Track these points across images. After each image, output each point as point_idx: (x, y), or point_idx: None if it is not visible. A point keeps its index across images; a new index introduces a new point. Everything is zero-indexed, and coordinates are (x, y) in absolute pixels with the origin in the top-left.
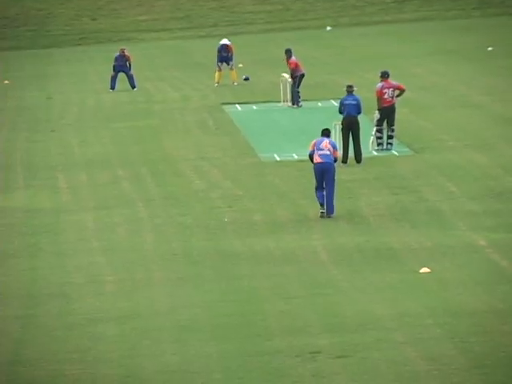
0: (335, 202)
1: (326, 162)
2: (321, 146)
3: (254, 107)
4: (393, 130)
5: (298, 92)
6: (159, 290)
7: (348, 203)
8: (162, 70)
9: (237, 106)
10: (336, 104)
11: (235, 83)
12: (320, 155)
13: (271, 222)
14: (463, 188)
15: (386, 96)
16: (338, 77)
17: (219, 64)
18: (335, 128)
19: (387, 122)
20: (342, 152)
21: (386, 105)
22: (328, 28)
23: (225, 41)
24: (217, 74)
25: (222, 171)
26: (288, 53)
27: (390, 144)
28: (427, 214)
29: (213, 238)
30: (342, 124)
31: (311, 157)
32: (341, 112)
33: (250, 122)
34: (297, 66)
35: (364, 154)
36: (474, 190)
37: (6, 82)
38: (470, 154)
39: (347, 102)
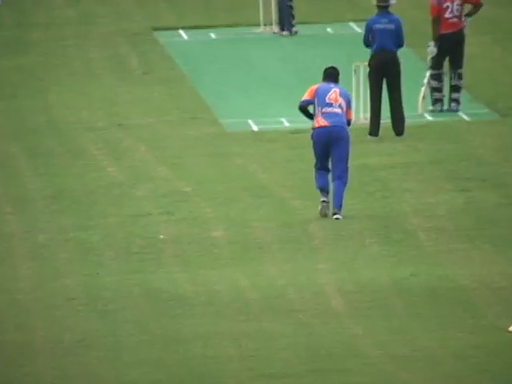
0: (346, 195)
1: (335, 127)
2: (327, 99)
3: (213, 35)
4: (460, 76)
5: (291, 7)
6: None
7: (380, 206)
8: None
9: (181, 32)
10: (359, 29)
11: None
12: (325, 114)
13: (243, 240)
14: None
15: (447, 14)
16: None
17: None
18: (357, 72)
19: (450, 62)
20: (369, 115)
21: (447, 30)
22: None
23: None
24: None
25: (156, 149)
26: None
27: (456, 101)
28: None
29: (137, 270)
30: (370, 65)
31: (306, 111)
32: (367, 44)
33: (204, 61)
34: None
35: (408, 120)
36: None
37: None
38: None
39: (379, 27)
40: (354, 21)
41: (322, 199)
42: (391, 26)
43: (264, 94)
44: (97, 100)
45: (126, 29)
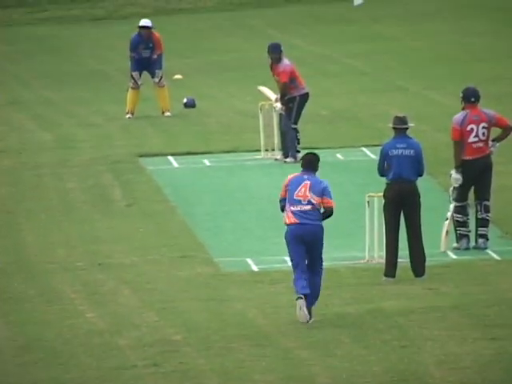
0: (358, 344)
1: (305, 225)
2: (295, 196)
3: (207, 162)
4: (487, 209)
5: (296, 130)
6: None
7: (398, 358)
8: (18, 86)
9: (170, 158)
10: (372, 155)
11: (167, 113)
12: (294, 212)
13: None
14: None
15: (472, 138)
16: (378, 98)
17: (134, 74)
18: (370, 204)
19: (475, 193)
20: (384, 254)
21: (472, 156)
22: (357, 1)
23: (145, 22)
24: (130, 94)
25: (141, 292)
26: (274, 51)
27: (483, 237)
28: None
29: None
30: (386, 197)
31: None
32: (382, 173)
33: (196, 191)
34: (293, 77)
35: (429, 259)
36: None
37: None
38: None
39: (396, 153)
40: (367, 146)
41: (298, 302)
42: (410, 152)
43: (265, 228)
44: (74, 236)
45: (109, 155)
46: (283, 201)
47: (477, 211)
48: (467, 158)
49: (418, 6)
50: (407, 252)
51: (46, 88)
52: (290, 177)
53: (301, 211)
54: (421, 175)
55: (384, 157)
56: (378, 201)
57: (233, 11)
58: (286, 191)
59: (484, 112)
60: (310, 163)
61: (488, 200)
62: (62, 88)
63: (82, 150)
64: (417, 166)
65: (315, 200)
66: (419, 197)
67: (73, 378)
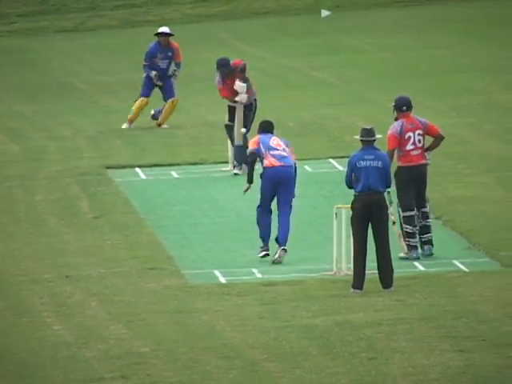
0: (326, 356)
1: (286, 167)
2: (271, 144)
3: (174, 174)
4: (426, 216)
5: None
6: None
7: (365, 370)
8: None
9: (137, 170)
10: (341, 167)
11: (165, 126)
12: (274, 155)
13: None
14: None
15: (409, 146)
16: (345, 110)
17: (151, 84)
18: (338, 216)
19: (415, 199)
20: (352, 266)
21: (410, 163)
22: (325, 13)
23: (164, 29)
24: (140, 102)
25: (109, 304)
26: (223, 67)
27: (427, 243)
28: None
29: None
30: (354, 208)
31: (253, 164)
32: (350, 185)
33: (164, 203)
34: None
35: (397, 270)
36: None
37: None
38: None
39: (364, 164)
40: (334, 157)
41: (262, 251)
42: (378, 164)
43: (232, 240)
44: (42, 249)
45: (76, 167)
46: (253, 155)
47: (418, 216)
48: (406, 164)
49: (384, 19)
50: (375, 264)
51: (15, 100)
52: (258, 136)
53: (280, 155)
54: (388, 186)
55: (352, 168)
56: (345, 212)
57: (200, 23)
58: (257, 144)
59: (418, 119)
60: (268, 127)
61: (425, 207)
62: (30, 100)
63: (50, 162)
64: (384, 177)
65: (287, 150)
66: (387, 209)
67: None
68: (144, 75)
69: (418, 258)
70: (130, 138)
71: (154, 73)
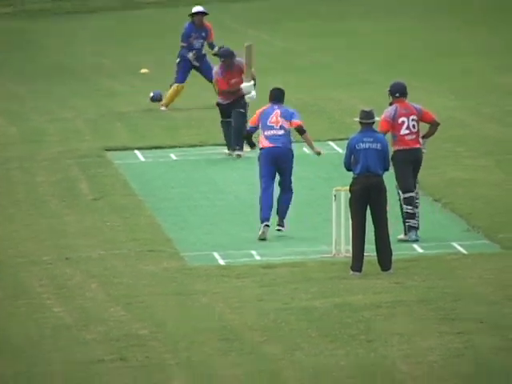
0: (325, 339)
1: (279, 147)
2: (269, 123)
3: (173, 156)
4: (409, 202)
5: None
6: None
7: (365, 352)
8: None
9: (136, 152)
10: (340, 149)
11: (163, 108)
12: (268, 137)
13: None
14: None
15: (404, 131)
16: (344, 92)
17: (187, 67)
18: (337, 198)
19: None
20: (351, 248)
21: (405, 146)
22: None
23: (198, 8)
24: (176, 88)
25: (108, 286)
26: (225, 58)
27: (412, 227)
28: None
29: None
30: (352, 191)
31: (249, 139)
32: (349, 167)
33: (163, 185)
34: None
35: (396, 252)
36: None
37: None
38: None
39: (363, 146)
40: (334, 139)
41: (263, 226)
42: (377, 146)
43: (231, 222)
44: (42, 230)
45: (76, 149)
46: (251, 130)
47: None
48: (402, 147)
49: (383, 3)
50: (374, 246)
51: (14, 82)
52: (262, 108)
53: (274, 135)
54: (387, 169)
55: (351, 150)
56: (344, 195)
57: (199, 5)
58: (256, 120)
59: (412, 105)
60: (277, 95)
61: (412, 191)
62: (29, 82)
63: (49, 143)
64: (383, 159)
65: (286, 125)
66: (386, 191)
67: (39, 372)
68: (177, 60)
69: (416, 240)
70: (129, 121)
71: (191, 54)
